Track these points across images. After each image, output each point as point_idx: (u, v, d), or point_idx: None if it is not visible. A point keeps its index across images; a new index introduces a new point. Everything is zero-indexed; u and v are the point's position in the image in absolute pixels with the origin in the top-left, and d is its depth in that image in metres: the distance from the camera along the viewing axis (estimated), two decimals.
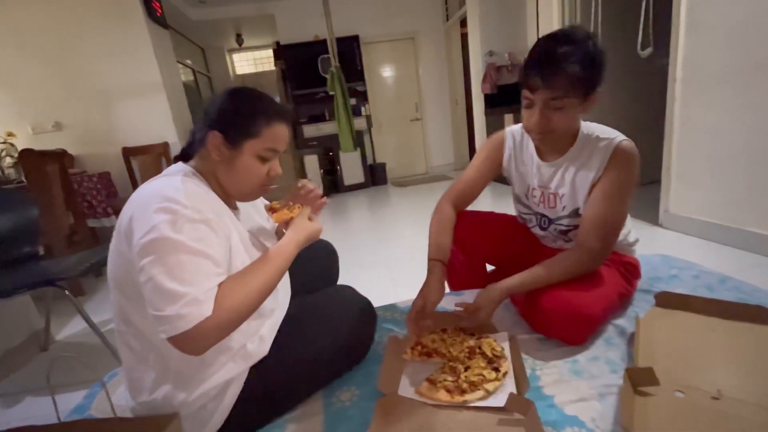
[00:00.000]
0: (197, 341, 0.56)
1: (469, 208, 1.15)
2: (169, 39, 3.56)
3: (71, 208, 2.28)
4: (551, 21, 2.83)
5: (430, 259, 0.98)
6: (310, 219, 0.80)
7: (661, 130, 2.07)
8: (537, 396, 0.74)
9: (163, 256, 0.56)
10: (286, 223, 0.78)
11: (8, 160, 2.50)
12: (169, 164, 0.87)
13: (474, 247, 1.14)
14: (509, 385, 0.75)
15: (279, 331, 0.79)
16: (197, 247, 0.58)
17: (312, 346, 0.79)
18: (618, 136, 0.89)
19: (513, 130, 1.06)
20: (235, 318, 0.60)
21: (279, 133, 0.73)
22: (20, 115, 3.03)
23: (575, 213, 0.96)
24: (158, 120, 3.23)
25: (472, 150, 5.22)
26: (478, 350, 0.83)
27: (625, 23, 2.31)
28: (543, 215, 1.04)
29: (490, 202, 3.37)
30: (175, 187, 0.62)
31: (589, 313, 0.84)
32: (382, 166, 5.20)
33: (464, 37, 4.67)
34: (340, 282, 1.11)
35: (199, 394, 0.66)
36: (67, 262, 1.48)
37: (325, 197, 0.90)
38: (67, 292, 1.30)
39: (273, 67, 5.78)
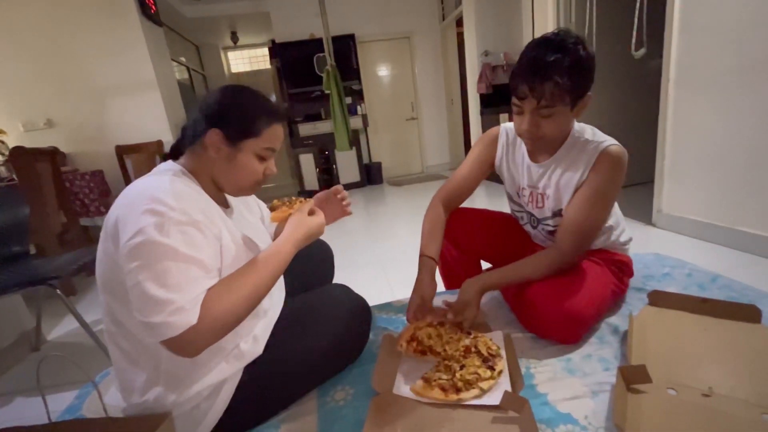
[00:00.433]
0: (185, 347, 0.56)
1: (464, 205, 1.15)
2: (163, 36, 3.53)
3: (63, 207, 2.25)
4: (546, 21, 2.84)
5: (421, 256, 1.00)
6: (311, 213, 0.79)
7: (654, 131, 2.09)
8: (531, 394, 0.74)
9: (150, 262, 0.55)
10: (286, 221, 0.77)
11: None
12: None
13: (467, 243, 1.15)
14: (504, 383, 0.75)
15: (273, 330, 0.79)
16: (185, 252, 0.57)
17: (306, 346, 0.79)
18: (606, 140, 0.88)
19: (507, 127, 1.06)
20: (221, 326, 0.59)
21: (278, 133, 0.73)
22: (11, 112, 2.99)
23: (558, 213, 0.96)
24: (152, 118, 3.20)
25: (467, 150, 5.20)
26: (473, 349, 0.83)
27: (619, 24, 2.33)
28: (532, 214, 1.05)
29: (484, 200, 3.39)
30: (163, 188, 0.61)
31: (582, 313, 0.85)
32: (378, 165, 5.20)
33: (460, 37, 4.67)
34: (335, 281, 1.11)
35: (191, 395, 0.66)
36: (58, 261, 1.46)
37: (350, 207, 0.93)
38: (58, 292, 1.29)
39: (268, 66, 5.77)
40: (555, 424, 0.67)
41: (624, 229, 1.03)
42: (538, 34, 0.86)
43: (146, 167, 3.01)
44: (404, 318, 1.07)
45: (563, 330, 0.87)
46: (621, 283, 1.01)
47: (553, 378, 0.78)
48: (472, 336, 0.88)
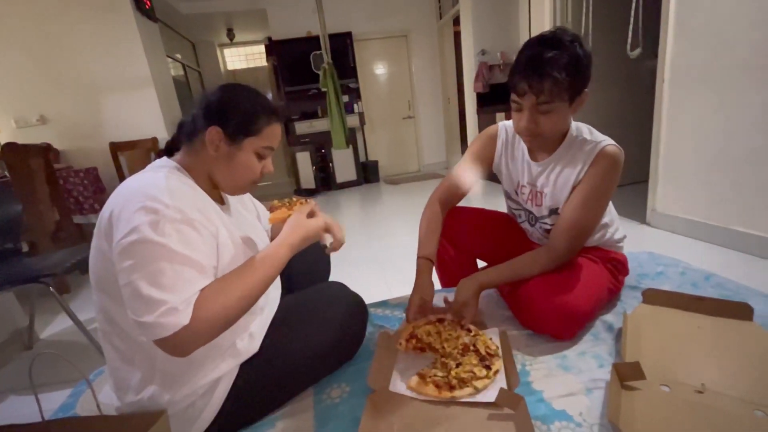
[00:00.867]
0: (177, 347, 0.56)
1: (461, 203, 1.15)
2: (158, 32, 3.50)
3: (56, 204, 2.23)
4: (543, 21, 2.85)
5: (419, 257, 1.00)
6: (310, 215, 0.78)
7: (649, 131, 2.10)
8: (526, 391, 0.75)
9: (144, 261, 0.54)
10: (284, 222, 0.77)
11: None
12: None
13: (464, 242, 1.15)
14: (500, 382, 0.76)
15: (269, 328, 0.79)
16: (179, 251, 0.56)
17: (303, 343, 0.79)
18: (604, 140, 0.89)
19: (506, 124, 1.06)
20: (214, 326, 0.58)
21: (276, 132, 0.73)
22: (3, 108, 2.95)
23: (555, 212, 0.97)
24: (147, 115, 3.17)
25: (464, 148, 5.23)
26: (472, 347, 0.84)
27: (615, 24, 2.34)
28: (530, 212, 1.05)
29: (481, 199, 3.40)
30: (158, 185, 0.60)
31: (578, 309, 0.86)
32: (375, 163, 5.19)
33: (457, 36, 4.68)
34: (331, 279, 1.11)
35: (187, 393, 0.66)
36: (51, 259, 1.45)
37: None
38: (51, 289, 1.28)
39: (265, 63, 5.73)
40: (550, 420, 0.67)
41: (618, 227, 1.04)
42: (534, 34, 0.86)
43: (141, 164, 2.97)
44: (401, 315, 1.07)
45: (559, 326, 0.87)
46: (617, 281, 1.02)
47: (549, 375, 0.79)
48: (472, 334, 0.88)
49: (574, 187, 0.91)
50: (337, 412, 0.75)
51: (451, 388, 0.74)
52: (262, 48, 5.69)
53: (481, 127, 4.07)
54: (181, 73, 5.06)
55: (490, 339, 0.87)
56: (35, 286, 1.28)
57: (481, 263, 1.25)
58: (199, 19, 4.91)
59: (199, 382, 0.66)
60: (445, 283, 1.25)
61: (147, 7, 3.21)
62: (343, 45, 4.73)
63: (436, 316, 0.96)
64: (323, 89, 3.67)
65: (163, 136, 3.16)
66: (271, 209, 0.83)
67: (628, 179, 2.85)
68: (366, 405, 0.71)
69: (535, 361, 0.84)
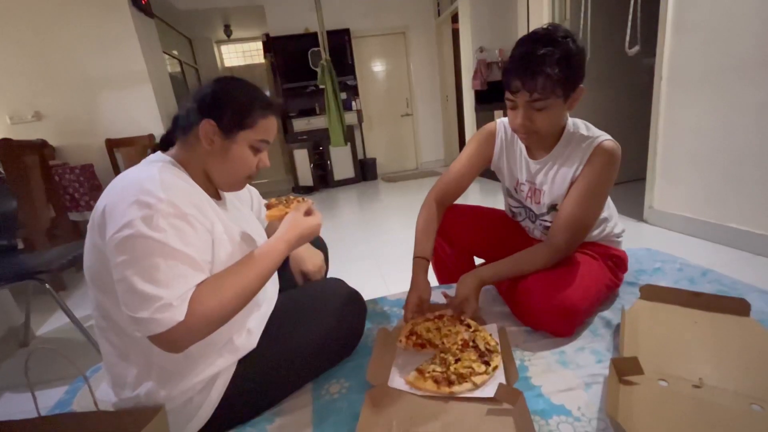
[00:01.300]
0: (171, 343, 0.55)
1: (458, 201, 1.15)
2: (154, 28, 3.47)
3: (52, 201, 2.21)
4: (541, 18, 2.84)
5: (415, 257, 1.00)
6: (308, 214, 0.78)
7: (646, 128, 2.11)
8: (525, 386, 0.75)
9: (138, 256, 0.54)
10: (281, 220, 0.76)
11: None
12: None
13: (461, 240, 1.15)
14: (499, 377, 0.76)
15: (267, 323, 0.78)
16: (173, 246, 0.56)
17: (301, 339, 0.78)
18: (601, 136, 0.89)
19: (504, 121, 1.06)
20: (209, 323, 0.58)
21: (271, 125, 0.72)
22: None
23: (554, 208, 0.97)
24: (143, 111, 3.15)
25: (462, 146, 5.23)
26: (471, 343, 0.84)
27: (613, 21, 2.34)
28: (531, 210, 1.05)
29: (478, 197, 3.40)
30: (152, 179, 0.59)
31: (575, 307, 0.86)
32: (373, 161, 5.19)
33: (455, 33, 4.67)
34: (329, 275, 1.10)
35: (184, 389, 0.65)
36: (47, 256, 1.44)
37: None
38: (47, 286, 1.27)
39: (262, 60, 5.70)
40: (549, 415, 0.67)
41: (617, 222, 1.05)
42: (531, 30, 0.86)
43: (137, 161, 2.88)
44: (399, 312, 1.07)
45: (557, 322, 0.87)
46: (616, 278, 1.02)
47: (547, 370, 0.79)
48: (471, 330, 0.88)
49: (572, 183, 0.91)
50: (336, 408, 0.75)
51: (450, 383, 0.73)
52: (259, 44, 5.66)
53: (480, 124, 4.07)
54: (178, 69, 5.03)
55: (490, 335, 0.88)
56: (31, 283, 1.27)
57: (478, 261, 1.26)
58: (196, 15, 4.87)
59: (196, 378, 0.66)
60: (443, 281, 1.25)
61: (143, 2, 3.19)
62: (341, 42, 4.72)
63: (434, 313, 0.96)
64: (321, 86, 3.66)
65: (160, 132, 3.11)
66: (268, 207, 0.83)
67: (626, 177, 2.85)
68: (365, 400, 0.71)
69: (534, 356, 0.84)
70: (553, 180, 0.94)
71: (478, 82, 3.87)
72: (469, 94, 4.16)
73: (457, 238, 1.15)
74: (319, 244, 1.16)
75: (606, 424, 0.64)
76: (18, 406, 1.23)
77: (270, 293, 0.84)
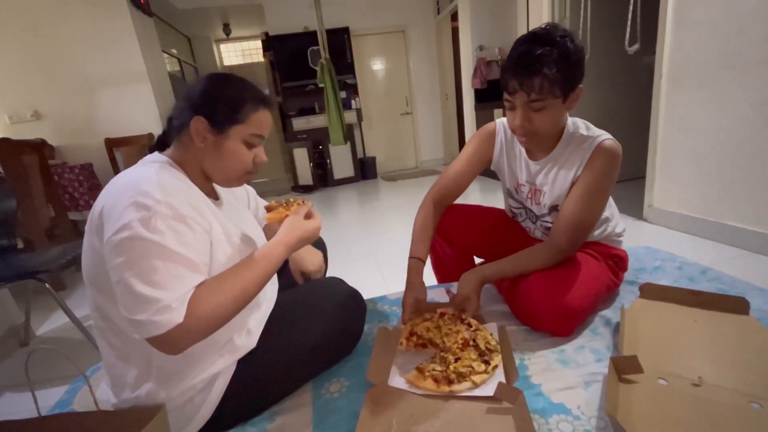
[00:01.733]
0: (170, 345, 0.55)
1: (458, 201, 1.15)
2: (153, 27, 3.46)
3: (51, 201, 2.21)
4: (541, 16, 2.84)
5: (410, 258, 1.01)
6: (308, 217, 0.77)
7: (646, 127, 2.11)
8: (525, 385, 0.75)
9: (136, 258, 0.54)
10: (281, 222, 0.76)
11: None
12: None
13: (460, 239, 1.15)
14: (498, 376, 0.76)
15: (267, 323, 0.78)
16: (171, 248, 0.56)
17: (301, 338, 0.78)
18: (601, 135, 0.89)
19: (504, 122, 1.05)
20: (208, 325, 0.58)
21: (264, 118, 0.71)
22: None
23: (555, 209, 0.97)
24: (142, 110, 3.15)
25: (461, 145, 5.23)
26: (472, 342, 0.84)
27: (613, 19, 2.34)
28: (531, 210, 1.05)
29: (478, 196, 3.40)
30: (150, 180, 0.59)
31: (575, 307, 0.86)
32: (372, 160, 5.18)
33: (455, 31, 4.66)
34: (328, 275, 1.10)
35: (183, 389, 0.65)
36: (47, 255, 1.44)
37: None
38: (47, 286, 1.27)
39: (261, 59, 5.69)
40: (548, 414, 0.67)
41: (618, 221, 1.04)
42: (531, 30, 0.86)
43: (137, 160, 2.85)
44: (399, 311, 1.07)
45: (556, 323, 0.87)
46: (616, 277, 1.02)
47: (547, 369, 0.79)
48: (472, 329, 0.88)
49: (573, 184, 0.91)
50: (336, 407, 0.75)
51: (450, 382, 0.74)
52: (258, 43, 5.65)
53: (479, 123, 4.07)
54: (177, 68, 5.02)
55: (491, 334, 0.88)
56: (31, 283, 1.27)
57: (477, 261, 1.25)
58: (195, 14, 4.86)
59: (196, 379, 0.66)
60: (442, 281, 1.25)
61: (142, 1, 3.18)
62: (340, 40, 4.71)
63: (436, 311, 0.96)
64: (321, 85, 3.65)
65: (159, 131, 3.06)
66: (268, 209, 0.82)
67: (625, 175, 2.84)
68: (365, 399, 0.71)
69: (534, 355, 0.84)
70: (554, 181, 0.94)
71: (478, 80, 3.87)
72: (468, 93, 4.16)
73: (456, 238, 1.15)
74: (319, 243, 1.16)
75: (606, 422, 0.64)
76: (18, 406, 1.23)
77: (269, 293, 0.84)
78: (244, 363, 0.72)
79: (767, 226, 1.60)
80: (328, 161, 4.85)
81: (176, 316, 0.54)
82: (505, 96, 0.86)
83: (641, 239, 1.97)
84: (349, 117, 4.74)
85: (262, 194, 0.96)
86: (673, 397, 0.65)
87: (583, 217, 0.89)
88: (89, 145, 3.05)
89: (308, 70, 4.63)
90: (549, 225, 1.00)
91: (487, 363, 0.78)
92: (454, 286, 1.14)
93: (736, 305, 0.86)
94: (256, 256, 0.67)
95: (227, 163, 0.69)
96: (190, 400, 0.67)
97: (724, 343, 0.78)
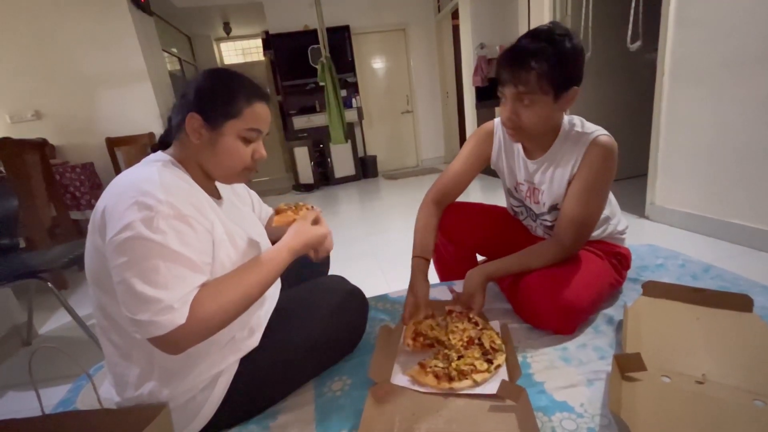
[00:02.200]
0: (171, 345, 0.55)
1: (459, 199, 1.14)
2: (153, 26, 3.46)
3: (53, 200, 2.21)
4: (542, 14, 2.82)
5: (413, 257, 1.00)
6: (315, 223, 0.77)
7: (648, 124, 2.10)
8: (528, 382, 0.75)
9: (138, 259, 0.54)
10: (289, 225, 0.76)
11: None
12: None
13: (462, 238, 1.15)
14: (501, 375, 0.76)
15: (269, 321, 0.78)
16: (173, 248, 0.56)
17: (303, 336, 0.78)
18: (596, 131, 0.88)
19: None
20: (209, 327, 0.58)
21: (260, 112, 0.69)
22: None
23: (555, 208, 0.97)
24: (143, 110, 3.15)
25: (462, 143, 5.20)
26: (477, 341, 0.84)
27: (615, 16, 2.33)
28: (531, 209, 1.05)
29: (480, 194, 3.39)
30: (151, 179, 0.59)
31: (577, 305, 0.86)
32: (373, 158, 5.17)
33: (456, 29, 4.64)
34: (330, 273, 1.10)
35: (186, 388, 0.65)
36: (49, 255, 1.44)
37: None
38: (50, 285, 1.27)
39: (262, 57, 5.69)
40: (551, 411, 0.67)
41: (620, 219, 1.04)
42: (534, 27, 0.85)
43: (137, 160, 2.85)
44: (401, 308, 1.07)
45: (559, 321, 0.87)
46: (619, 276, 1.02)
47: (550, 367, 0.79)
48: (479, 327, 0.88)
49: (570, 182, 0.90)
50: (339, 405, 0.75)
51: (450, 379, 0.74)
52: (259, 42, 5.64)
53: (480, 121, 4.06)
54: (178, 67, 5.02)
55: (497, 334, 0.87)
56: (33, 282, 1.27)
57: (480, 258, 1.25)
58: (195, 13, 4.85)
59: (198, 378, 0.66)
60: (445, 278, 1.25)
61: (142, 0, 3.17)
62: (340, 39, 4.70)
63: (445, 309, 0.96)
64: (321, 83, 3.65)
65: (160, 131, 3.09)
66: (277, 212, 0.82)
67: (627, 173, 2.85)
68: (367, 397, 0.71)
69: (537, 353, 0.84)
70: (551, 180, 0.94)
71: (479, 78, 3.86)
72: (469, 91, 4.14)
73: (458, 236, 1.15)
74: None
75: (609, 420, 0.64)
76: (22, 405, 1.24)
77: (272, 292, 0.84)
78: (246, 361, 0.72)
79: None
80: (328, 160, 4.85)
81: (178, 317, 0.54)
82: (499, 88, 0.87)
83: (643, 237, 1.97)
84: (350, 115, 4.73)
85: (262, 193, 0.96)
86: (676, 394, 0.65)
87: (584, 214, 0.89)
88: (90, 144, 3.05)
89: (309, 68, 4.62)
90: (549, 224, 1.00)
91: (489, 362, 0.77)
92: (457, 284, 1.14)
93: (740, 302, 0.86)
94: (260, 260, 0.67)
95: (224, 160, 0.68)
96: (192, 399, 0.67)
97: (727, 341, 0.77)
